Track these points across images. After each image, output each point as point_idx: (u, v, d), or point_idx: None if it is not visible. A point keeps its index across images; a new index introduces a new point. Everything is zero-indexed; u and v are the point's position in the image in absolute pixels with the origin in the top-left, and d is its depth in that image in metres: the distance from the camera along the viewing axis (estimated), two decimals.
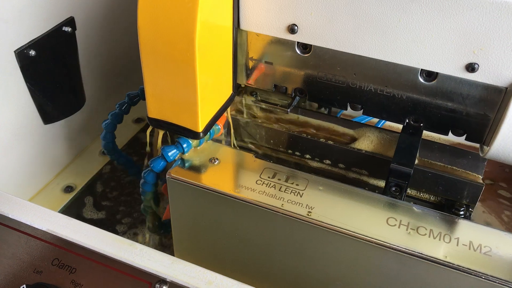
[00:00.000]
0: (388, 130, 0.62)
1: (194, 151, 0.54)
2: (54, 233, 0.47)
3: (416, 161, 0.57)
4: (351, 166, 0.60)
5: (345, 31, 0.49)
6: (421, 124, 0.54)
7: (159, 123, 0.52)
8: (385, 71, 0.50)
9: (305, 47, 0.53)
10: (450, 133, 0.54)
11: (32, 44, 0.67)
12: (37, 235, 0.48)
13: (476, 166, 0.58)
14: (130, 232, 0.72)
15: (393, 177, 0.55)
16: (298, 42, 0.52)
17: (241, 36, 0.54)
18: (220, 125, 0.58)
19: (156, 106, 0.51)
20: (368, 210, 0.48)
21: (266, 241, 0.51)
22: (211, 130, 0.55)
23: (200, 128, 0.50)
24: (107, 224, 0.73)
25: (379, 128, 0.62)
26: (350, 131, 0.62)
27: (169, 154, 0.52)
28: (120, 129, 0.67)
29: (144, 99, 0.63)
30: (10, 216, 0.48)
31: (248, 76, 0.57)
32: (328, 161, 0.61)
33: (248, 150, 0.65)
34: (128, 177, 0.80)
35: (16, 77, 0.67)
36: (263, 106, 0.63)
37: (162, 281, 0.44)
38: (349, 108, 0.56)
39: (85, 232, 0.47)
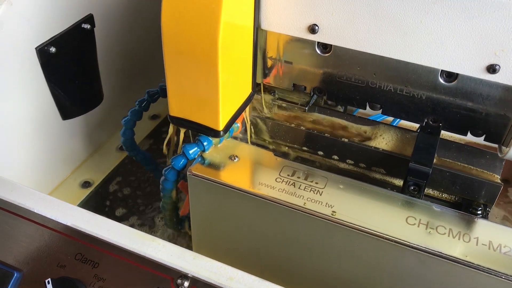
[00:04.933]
0: (405, 129, 0.62)
1: (214, 149, 0.55)
2: (77, 228, 0.48)
3: (434, 160, 0.57)
4: (368, 164, 0.61)
5: (366, 32, 0.49)
6: (440, 124, 0.54)
7: (180, 121, 0.52)
8: (405, 71, 0.51)
9: (325, 47, 0.53)
10: (468, 133, 0.54)
11: (53, 41, 0.68)
12: (60, 229, 0.49)
13: (494, 166, 0.58)
14: (146, 226, 0.73)
15: (412, 176, 0.55)
16: (318, 42, 0.53)
17: (261, 36, 0.55)
18: (238, 123, 0.58)
19: (178, 105, 0.51)
20: (387, 209, 0.48)
21: (285, 239, 0.52)
22: (230, 128, 0.56)
23: (221, 127, 0.51)
24: (124, 220, 0.74)
25: (396, 126, 0.62)
26: (366, 129, 0.62)
27: (190, 152, 0.53)
28: (136, 126, 0.67)
29: (163, 96, 0.63)
30: (34, 211, 0.49)
31: (267, 75, 0.58)
32: (349, 160, 0.62)
33: (266, 148, 0.65)
34: (145, 173, 0.81)
35: (36, 73, 0.68)
36: (282, 105, 0.64)
37: (184, 276, 0.45)
38: (367, 107, 0.56)
39: (108, 227, 0.48)
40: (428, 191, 0.60)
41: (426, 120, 0.55)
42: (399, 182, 0.61)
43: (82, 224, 0.48)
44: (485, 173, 0.57)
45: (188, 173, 0.52)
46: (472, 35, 0.45)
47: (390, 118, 0.88)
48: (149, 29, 0.87)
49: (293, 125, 0.63)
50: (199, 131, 0.52)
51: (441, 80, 0.50)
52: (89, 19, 0.74)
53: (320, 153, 0.62)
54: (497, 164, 0.58)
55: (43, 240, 0.49)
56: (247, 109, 0.60)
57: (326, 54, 0.53)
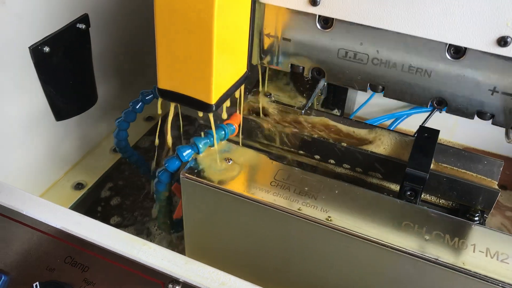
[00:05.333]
0: (402, 133, 0.61)
1: (208, 151, 0.54)
2: (67, 231, 0.47)
3: (432, 166, 0.57)
4: (365, 168, 0.60)
5: (369, 3, 0.46)
6: (446, 106, 0.51)
7: (169, 95, 0.49)
8: (410, 47, 0.48)
9: (326, 22, 0.51)
10: (476, 116, 0.51)
11: (47, 41, 0.67)
12: (50, 232, 0.48)
13: (492, 172, 0.57)
14: (141, 229, 0.72)
15: (408, 181, 0.54)
16: (319, 16, 0.50)
17: (259, 10, 0.52)
18: (235, 126, 0.57)
19: (168, 76, 0.48)
20: (384, 215, 0.47)
21: (279, 243, 0.51)
22: (226, 131, 0.55)
23: (213, 100, 0.48)
24: (117, 222, 0.73)
25: (393, 131, 0.62)
26: (364, 133, 0.62)
27: (184, 154, 0.52)
28: (130, 127, 0.66)
29: (157, 97, 0.62)
30: (24, 213, 0.48)
31: (263, 55, 0.55)
32: (345, 165, 0.61)
33: (262, 151, 0.65)
34: (138, 175, 0.80)
35: (30, 73, 0.67)
36: (278, 108, 0.63)
37: (175, 281, 0.44)
38: (368, 89, 0.54)
39: (99, 231, 0.47)
40: (425, 196, 0.59)
41: (430, 103, 0.51)
42: (395, 187, 0.60)
43: (72, 227, 0.47)
44: (483, 179, 0.56)
45: (181, 176, 0.51)
46: (482, 4, 0.42)
47: (387, 122, 0.88)
48: (145, 29, 0.86)
49: (289, 128, 0.62)
50: (190, 106, 0.49)
51: (448, 56, 0.47)
52: (84, 19, 0.73)
53: (317, 157, 0.62)
54: (495, 170, 0.57)
55: (32, 242, 0.48)
56: (242, 108, 0.59)
57: (327, 30, 0.51)
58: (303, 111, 0.60)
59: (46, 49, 0.68)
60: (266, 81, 0.64)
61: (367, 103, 0.86)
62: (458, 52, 0.47)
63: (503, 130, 0.84)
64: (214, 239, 0.55)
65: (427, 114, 0.84)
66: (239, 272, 0.48)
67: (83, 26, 0.73)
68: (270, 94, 0.62)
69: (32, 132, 0.71)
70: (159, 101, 0.54)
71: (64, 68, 0.72)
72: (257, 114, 0.63)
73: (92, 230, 0.47)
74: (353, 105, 0.88)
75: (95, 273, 0.46)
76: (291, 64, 0.55)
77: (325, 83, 0.71)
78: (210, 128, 0.56)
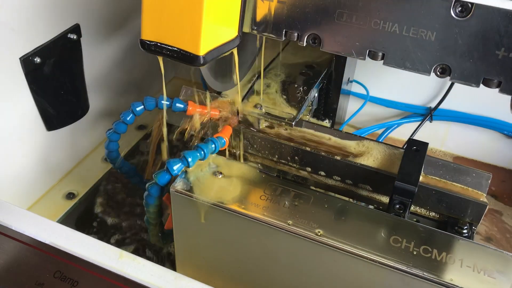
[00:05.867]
0: (392, 146, 0.62)
1: (199, 165, 0.54)
2: (57, 246, 0.47)
3: (420, 178, 0.57)
4: (355, 181, 0.60)
5: None
6: (449, 75, 0.48)
7: (153, 47, 0.47)
8: (413, 5, 0.46)
9: None
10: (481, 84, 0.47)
11: (38, 51, 0.67)
12: (39, 246, 0.48)
13: (480, 184, 0.57)
14: (133, 238, 0.72)
15: (398, 194, 0.55)
16: None
17: None
18: (225, 139, 0.58)
19: (153, 26, 0.46)
20: (372, 229, 0.48)
21: (269, 258, 0.51)
22: (216, 144, 0.55)
23: (201, 51, 0.45)
24: (108, 232, 0.73)
25: (383, 143, 0.62)
26: (353, 145, 0.62)
27: (174, 168, 0.52)
28: (122, 136, 0.66)
29: (148, 109, 0.63)
30: (12, 228, 0.48)
31: (256, 20, 0.52)
32: (335, 177, 0.61)
33: (252, 162, 0.65)
34: (130, 184, 0.80)
35: (20, 84, 0.67)
36: (266, 119, 0.63)
37: None
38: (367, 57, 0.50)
39: (88, 246, 0.47)
40: (414, 208, 0.59)
41: (433, 70, 0.48)
42: (386, 199, 0.60)
43: (61, 242, 0.47)
44: (471, 192, 0.57)
45: (171, 189, 0.51)
46: None
47: (379, 131, 0.89)
48: (136, 39, 0.86)
49: (279, 140, 0.62)
50: (176, 58, 0.46)
51: (453, 15, 0.44)
52: (76, 29, 0.73)
53: (308, 169, 0.62)
54: (483, 183, 0.58)
55: (21, 256, 0.48)
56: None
57: None
58: (293, 124, 0.60)
59: (37, 59, 0.68)
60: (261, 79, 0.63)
61: (358, 112, 0.87)
62: (464, 9, 0.44)
63: (493, 138, 0.86)
64: (204, 252, 0.55)
65: (418, 123, 0.85)
66: (229, 285, 0.49)
67: (75, 36, 0.73)
68: (261, 106, 0.63)
69: (23, 142, 0.71)
70: (160, 59, 0.51)
71: (56, 79, 0.72)
72: (247, 124, 0.63)
73: (81, 244, 0.47)
74: (344, 114, 0.89)
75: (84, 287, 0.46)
76: (285, 31, 0.52)
77: (316, 94, 0.72)
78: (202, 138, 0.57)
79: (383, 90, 0.88)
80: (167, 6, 0.45)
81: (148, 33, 0.47)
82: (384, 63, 0.50)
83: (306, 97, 0.65)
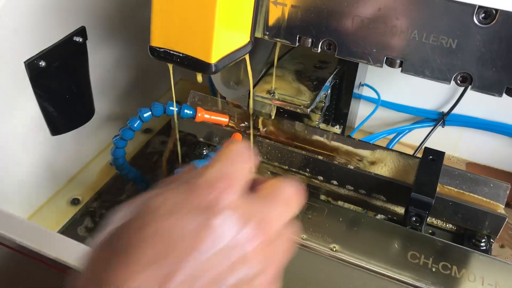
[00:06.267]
0: (407, 155, 0.60)
1: None
2: (61, 260, 0.45)
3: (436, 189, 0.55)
4: (368, 190, 0.58)
5: None
6: (470, 84, 0.46)
7: (163, 54, 0.46)
8: (434, 12, 0.44)
9: None
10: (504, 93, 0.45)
11: (43, 55, 0.66)
12: (44, 259, 0.47)
13: (498, 195, 0.56)
14: None
15: (414, 206, 0.53)
16: None
17: None
18: None
19: (162, 32, 0.44)
20: (389, 244, 0.46)
21: (281, 273, 0.49)
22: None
23: (213, 59, 0.44)
24: None
25: (398, 151, 0.60)
26: (367, 154, 0.60)
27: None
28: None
29: (156, 115, 0.61)
30: (17, 241, 0.47)
31: (268, 25, 0.50)
32: (348, 186, 0.59)
33: (263, 172, 0.63)
34: (136, 190, 0.79)
35: (25, 87, 0.65)
36: (278, 105, 0.60)
37: None
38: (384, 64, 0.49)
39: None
40: (430, 220, 0.57)
41: (453, 79, 0.47)
42: (400, 210, 0.59)
43: (65, 256, 0.45)
44: (489, 203, 0.55)
45: None
46: None
47: (389, 136, 0.87)
48: (144, 42, 0.84)
49: (290, 148, 0.60)
50: (186, 66, 0.45)
51: (476, 21, 0.43)
52: (82, 31, 0.72)
53: (320, 178, 0.60)
54: (501, 194, 0.56)
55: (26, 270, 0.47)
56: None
57: None
58: (308, 110, 0.58)
59: (42, 63, 0.66)
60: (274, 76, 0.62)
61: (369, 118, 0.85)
62: (488, 16, 0.42)
63: (507, 145, 0.83)
64: None
65: (430, 128, 0.83)
66: None
67: (80, 39, 0.71)
68: (273, 92, 0.60)
69: (27, 146, 0.69)
70: (170, 66, 0.49)
71: (61, 82, 0.71)
72: (257, 131, 0.61)
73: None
74: (355, 118, 0.87)
75: None
76: (299, 37, 0.50)
77: (329, 91, 0.69)
78: (210, 145, 0.55)
79: (395, 94, 0.86)
80: (178, 12, 0.44)
81: (158, 40, 0.45)
82: (402, 71, 0.48)
83: (321, 87, 0.63)
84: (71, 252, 0.46)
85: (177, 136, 0.57)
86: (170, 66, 0.49)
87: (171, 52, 0.45)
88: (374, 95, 0.84)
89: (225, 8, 0.43)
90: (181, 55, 0.45)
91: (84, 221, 0.74)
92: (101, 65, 0.78)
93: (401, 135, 0.84)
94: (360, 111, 0.87)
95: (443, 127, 0.83)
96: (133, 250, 0.25)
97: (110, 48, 0.79)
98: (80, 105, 0.75)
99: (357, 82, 0.75)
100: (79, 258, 0.43)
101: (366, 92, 0.85)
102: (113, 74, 0.82)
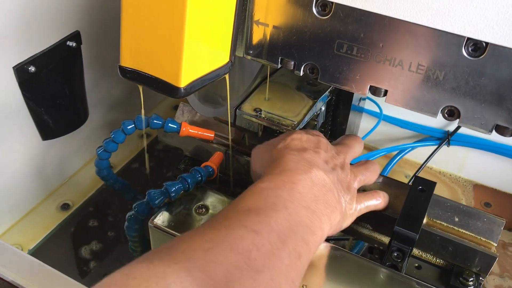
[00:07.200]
0: (397, 181, 0.57)
1: (182, 197, 0.51)
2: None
3: (424, 221, 0.52)
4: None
5: None
6: (458, 118, 0.43)
7: (132, 75, 0.44)
8: (421, 41, 0.41)
9: (324, 7, 0.44)
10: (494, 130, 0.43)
11: (32, 60, 0.65)
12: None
13: (491, 231, 0.52)
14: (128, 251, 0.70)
15: (397, 240, 0.50)
16: (317, 0, 0.44)
17: None
18: (214, 167, 0.54)
19: (132, 52, 0.42)
20: (364, 286, 0.43)
21: None
22: (202, 173, 0.52)
23: (182, 83, 0.42)
24: (102, 243, 0.71)
25: (387, 177, 0.57)
26: None
27: (156, 201, 0.49)
28: (123, 145, 0.62)
29: (139, 128, 0.59)
30: None
31: (250, 45, 0.49)
32: None
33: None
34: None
35: (14, 93, 0.64)
36: (265, 124, 0.58)
37: None
38: (368, 91, 0.47)
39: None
40: (419, 253, 0.54)
41: (440, 112, 0.44)
42: (386, 239, 0.56)
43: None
44: (480, 240, 0.52)
45: (149, 224, 0.48)
46: None
47: (392, 153, 0.84)
48: None
49: None
50: (155, 89, 0.43)
51: (465, 54, 0.40)
52: (76, 36, 0.70)
53: None
54: (495, 229, 0.53)
55: None
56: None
57: (325, 17, 0.44)
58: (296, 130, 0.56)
59: (32, 68, 0.65)
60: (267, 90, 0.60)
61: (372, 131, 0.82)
62: (477, 48, 0.40)
63: None
64: None
65: (434, 147, 0.80)
66: None
67: (74, 44, 0.70)
68: (260, 110, 0.58)
69: (17, 150, 0.69)
70: (141, 88, 0.48)
71: (53, 88, 0.70)
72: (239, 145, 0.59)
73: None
74: (357, 132, 0.84)
75: None
76: (281, 59, 0.48)
77: (323, 108, 0.67)
78: (195, 160, 0.53)
79: (399, 109, 0.82)
80: (147, 32, 0.42)
81: (127, 60, 0.44)
82: (386, 101, 0.46)
83: (311, 106, 0.60)
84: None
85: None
86: (140, 88, 0.47)
87: (141, 73, 0.43)
88: (377, 109, 0.81)
89: (197, 27, 0.41)
90: (150, 76, 0.43)
91: (73, 226, 0.74)
92: (96, 70, 0.77)
93: (403, 153, 0.81)
94: (362, 124, 0.84)
95: (448, 146, 0.80)
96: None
97: (105, 53, 0.77)
98: (72, 110, 0.75)
99: (356, 97, 0.72)
100: None
101: (369, 105, 0.82)
102: (108, 79, 0.80)
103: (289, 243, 0.37)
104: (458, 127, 0.78)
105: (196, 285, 0.31)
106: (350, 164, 0.52)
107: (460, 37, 0.39)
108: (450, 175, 0.84)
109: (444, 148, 0.80)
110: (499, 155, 0.77)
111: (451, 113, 0.43)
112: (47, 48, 0.67)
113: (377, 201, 0.52)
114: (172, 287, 0.31)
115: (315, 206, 0.42)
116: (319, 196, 0.43)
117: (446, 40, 0.40)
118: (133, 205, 0.50)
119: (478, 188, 0.82)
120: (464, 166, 0.83)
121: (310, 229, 0.40)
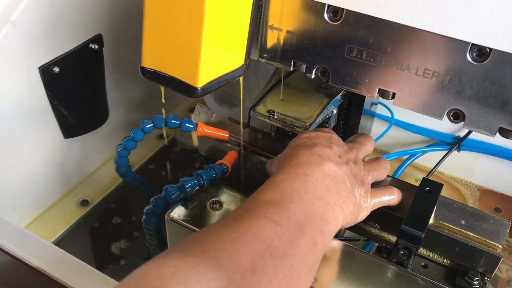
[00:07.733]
0: (406, 183, 0.58)
1: (198, 193, 0.53)
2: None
3: (431, 221, 0.54)
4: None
5: None
6: (463, 121, 0.45)
7: (153, 75, 0.47)
8: (427, 46, 0.43)
9: (335, 13, 0.46)
10: (497, 133, 0.45)
11: (57, 61, 0.68)
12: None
13: (497, 233, 0.54)
14: (144, 247, 0.72)
15: (403, 239, 0.52)
16: (329, 6, 0.46)
17: None
18: (228, 165, 0.56)
19: (153, 54, 0.46)
20: (371, 281, 0.45)
21: None
22: (217, 170, 0.54)
23: (199, 83, 0.44)
24: (121, 240, 0.73)
25: (394, 178, 0.59)
26: None
27: (172, 196, 0.51)
28: (143, 144, 0.65)
29: (158, 127, 0.62)
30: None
31: (264, 49, 0.51)
32: None
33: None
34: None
35: (39, 92, 0.68)
36: (278, 125, 0.60)
37: None
38: (377, 94, 0.49)
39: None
40: (426, 252, 0.56)
41: (446, 114, 0.46)
42: (394, 239, 0.57)
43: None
44: (486, 241, 0.53)
45: (166, 217, 0.51)
46: None
47: (403, 157, 0.85)
48: None
49: None
50: (174, 88, 0.46)
51: (470, 59, 0.42)
52: (98, 39, 0.73)
53: None
54: (501, 231, 0.54)
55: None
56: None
57: (336, 22, 0.46)
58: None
59: (56, 69, 0.68)
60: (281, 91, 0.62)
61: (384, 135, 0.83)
62: (481, 54, 0.41)
63: None
64: None
65: (444, 152, 0.81)
66: None
67: (96, 47, 0.73)
68: (273, 112, 0.60)
69: (39, 148, 0.72)
70: (162, 89, 0.51)
71: (75, 88, 0.73)
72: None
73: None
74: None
75: None
76: (294, 62, 0.51)
77: (335, 111, 0.69)
78: (210, 160, 0.55)
79: (410, 113, 0.84)
80: (168, 34, 0.44)
81: (148, 61, 0.46)
82: (394, 103, 0.48)
83: (323, 109, 0.63)
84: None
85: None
86: (162, 88, 0.49)
87: (160, 73, 0.46)
88: (388, 114, 0.83)
89: (214, 31, 0.43)
90: (169, 77, 0.46)
91: (92, 222, 0.77)
92: (116, 71, 0.79)
93: (414, 158, 0.82)
94: (374, 128, 0.86)
95: (458, 151, 0.81)
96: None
97: (125, 56, 0.80)
98: (94, 110, 0.78)
99: (368, 101, 0.74)
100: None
101: (380, 110, 0.84)
102: (128, 81, 0.83)
103: (306, 232, 0.40)
104: (469, 133, 0.79)
105: (225, 272, 0.34)
106: (362, 160, 0.54)
107: (465, 43, 0.41)
108: (461, 180, 0.86)
109: (454, 153, 0.81)
110: (510, 160, 0.78)
111: (456, 116, 0.45)
112: (70, 50, 0.70)
113: (391, 197, 0.54)
114: (203, 275, 0.33)
115: (328, 196, 0.44)
116: (331, 187, 0.45)
117: (452, 46, 0.42)
118: (151, 199, 0.52)
119: (488, 193, 0.83)
120: (474, 171, 0.84)
121: (324, 219, 0.42)
